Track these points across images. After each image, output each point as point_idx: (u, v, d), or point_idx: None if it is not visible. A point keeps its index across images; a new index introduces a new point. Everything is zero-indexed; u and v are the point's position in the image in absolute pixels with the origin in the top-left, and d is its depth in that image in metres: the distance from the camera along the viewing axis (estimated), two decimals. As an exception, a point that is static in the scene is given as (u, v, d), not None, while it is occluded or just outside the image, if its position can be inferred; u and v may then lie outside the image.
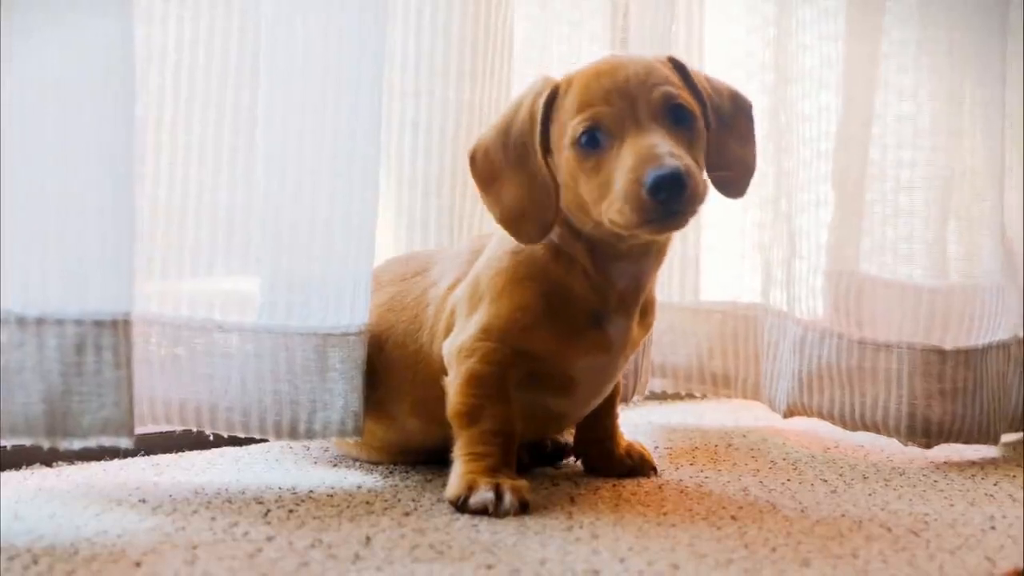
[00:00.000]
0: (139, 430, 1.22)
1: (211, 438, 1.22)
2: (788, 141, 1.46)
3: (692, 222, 1.52)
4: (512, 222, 1.06)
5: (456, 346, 1.08)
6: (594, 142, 1.01)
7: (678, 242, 1.55)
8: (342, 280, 1.12)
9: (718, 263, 1.61)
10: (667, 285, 1.55)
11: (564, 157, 1.03)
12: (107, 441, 0.96)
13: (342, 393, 1.12)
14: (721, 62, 1.58)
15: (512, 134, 1.06)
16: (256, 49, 1.12)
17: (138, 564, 0.84)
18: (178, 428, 1.13)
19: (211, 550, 0.88)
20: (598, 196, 1.00)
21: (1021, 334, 1.45)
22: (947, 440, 1.36)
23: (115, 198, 0.97)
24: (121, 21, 0.96)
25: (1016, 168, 1.55)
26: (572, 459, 1.25)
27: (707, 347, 1.57)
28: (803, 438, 1.45)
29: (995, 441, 1.39)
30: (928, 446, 1.36)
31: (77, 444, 0.95)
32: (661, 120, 1.01)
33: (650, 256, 1.09)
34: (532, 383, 1.09)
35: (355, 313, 1.12)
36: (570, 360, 1.08)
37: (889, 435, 1.37)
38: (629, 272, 1.08)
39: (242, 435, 1.13)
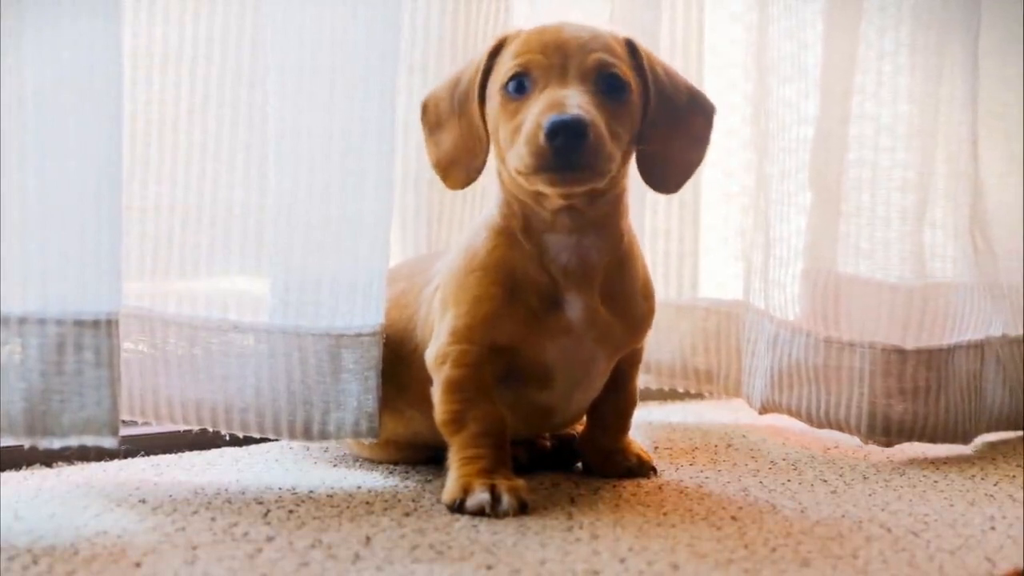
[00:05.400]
0: (140, 430, 1.23)
1: (212, 438, 1.22)
2: (770, 144, 1.45)
3: (684, 219, 1.55)
4: (444, 167, 1.10)
5: (432, 354, 1.09)
6: (520, 89, 1.03)
7: (663, 240, 1.55)
8: (355, 279, 1.12)
9: (708, 261, 1.61)
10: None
11: (493, 103, 1.05)
12: (89, 440, 0.96)
13: (355, 394, 1.11)
14: (720, 61, 1.58)
15: (460, 85, 1.09)
16: (268, 47, 1.12)
17: (138, 564, 0.84)
18: (195, 428, 1.13)
19: (211, 550, 0.88)
20: (510, 143, 1.02)
21: (1014, 333, 1.45)
22: (909, 439, 1.35)
23: (100, 199, 0.96)
24: (108, 21, 0.96)
25: (1016, 168, 1.55)
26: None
27: (690, 343, 1.57)
28: (803, 438, 1.45)
29: (964, 441, 1.38)
30: (888, 444, 1.36)
31: (57, 443, 0.95)
32: (589, 83, 1.02)
33: (587, 232, 1.07)
34: (511, 378, 1.09)
35: (368, 313, 1.12)
36: (537, 346, 1.07)
37: (851, 433, 1.37)
38: (568, 247, 1.07)
39: (257, 435, 1.14)
